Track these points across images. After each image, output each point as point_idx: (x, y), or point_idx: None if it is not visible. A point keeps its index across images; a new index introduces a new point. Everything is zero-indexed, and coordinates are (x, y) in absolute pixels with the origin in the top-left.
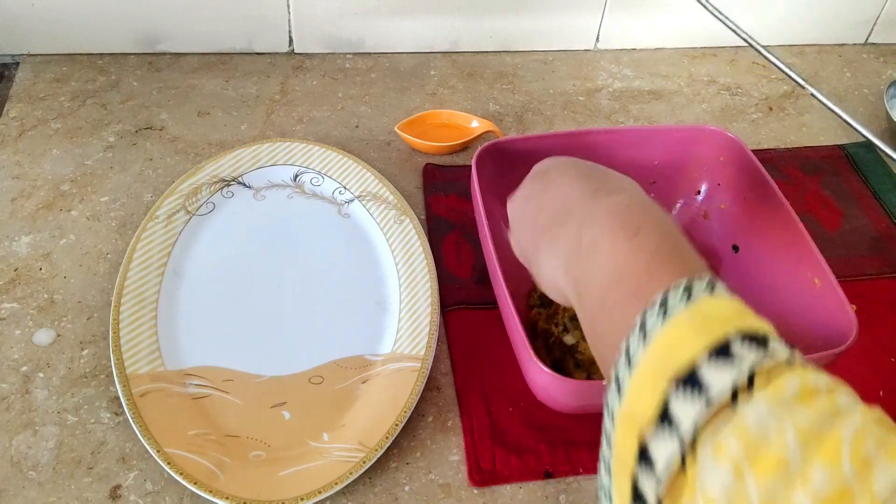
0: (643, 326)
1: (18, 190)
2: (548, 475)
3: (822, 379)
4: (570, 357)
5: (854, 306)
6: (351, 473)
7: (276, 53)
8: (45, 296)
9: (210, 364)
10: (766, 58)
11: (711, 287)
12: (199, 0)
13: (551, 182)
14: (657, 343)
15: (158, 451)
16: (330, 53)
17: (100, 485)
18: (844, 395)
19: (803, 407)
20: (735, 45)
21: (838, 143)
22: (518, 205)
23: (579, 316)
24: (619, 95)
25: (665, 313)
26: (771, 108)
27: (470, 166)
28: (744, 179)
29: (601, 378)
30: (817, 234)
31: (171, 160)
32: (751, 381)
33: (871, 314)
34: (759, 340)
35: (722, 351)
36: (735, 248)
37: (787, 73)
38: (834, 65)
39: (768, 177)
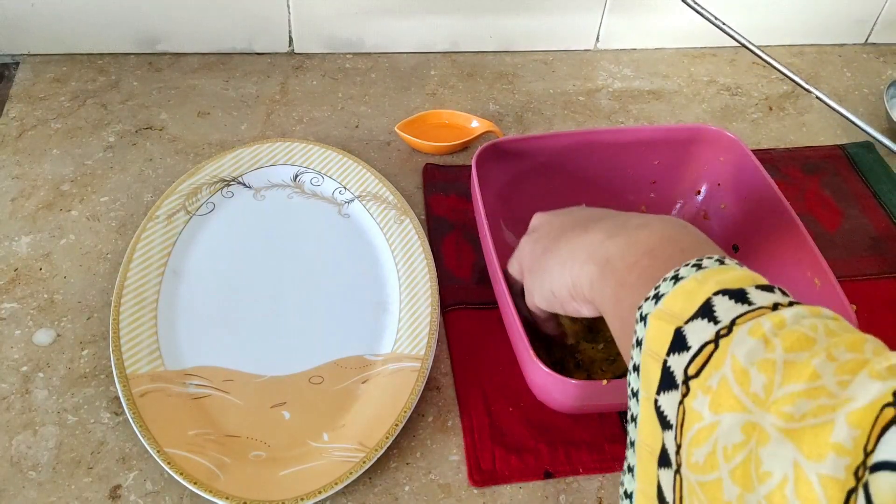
0: (699, 264)
1: (18, 190)
2: (548, 475)
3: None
4: (570, 357)
5: (854, 306)
6: (351, 473)
7: (276, 53)
8: (45, 296)
9: (210, 364)
10: (761, 58)
11: (721, 261)
12: (199, 0)
13: (555, 222)
14: (710, 271)
15: (158, 451)
16: (330, 53)
17: (100, 485)
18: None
19: (836, 322)
20: (735, 45)
21: (838, 143)
22: (545, 219)
23: (599, 290)
24: (619, 95)
25: (721, 262)
26: (771, 108)
27: (470, 166)
28: (744, 179)
29: (601, 378)
30: (817, 234)
31: (171, 160)
32: (775, 307)
33: (871, 314)
34: (769, 290)
35: (767, 288)
36: (735, 248)
37: (785, 73)
38: (834, 65)
39: (768, 177)
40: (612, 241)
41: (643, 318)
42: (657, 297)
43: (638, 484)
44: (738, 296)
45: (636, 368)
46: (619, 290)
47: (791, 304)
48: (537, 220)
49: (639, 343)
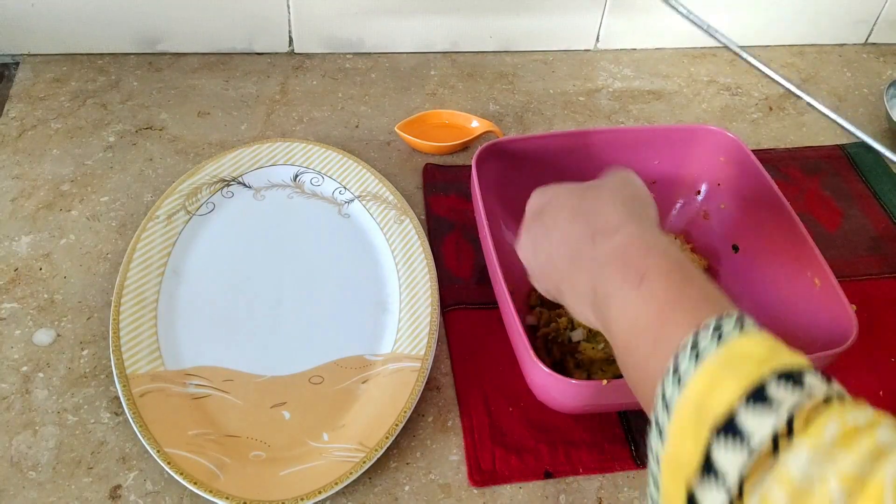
0: (676, 370)
1: (18, 190)
2: (548, 475)
3: (861, 415)
4: (570, 357)
5: (854, 306)
6: (351, 473)
7: (276, 53)
8: (45, 296)
9: (210, 364)
10: (748, 62)
11: (741, 324)
12: (199, 0)
13: (549, 228)
14: (692, 388)
15: (158, 451)
16: (330, 53)
17: (100, 485)
18: (885, 430)
19: (844, 451)
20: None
21: (838, 143)
22: (528, 254)
23: (611, 336)
24: (619, 95)
25: (697, 356)
26: (771, 108)
27: (470, 166)
28: (744, 179)
29: (601, 378)
30: (817, 234)
31: (171, 160)
32: (790, 424)
33: (871, 314)
34: (794, 379)
35: (758, 395)
36: (735, 248)
37: (775, 79)
38: (834, 65)
39: (768, 177)
40: (599, 312)
41: (665, 401)
42: (678, 375)
43: None
44: (759, 396)
45: (660, 432)
46: (626, 357)
47: (790, 423)
48: (535, 203)
49: (658, 428)
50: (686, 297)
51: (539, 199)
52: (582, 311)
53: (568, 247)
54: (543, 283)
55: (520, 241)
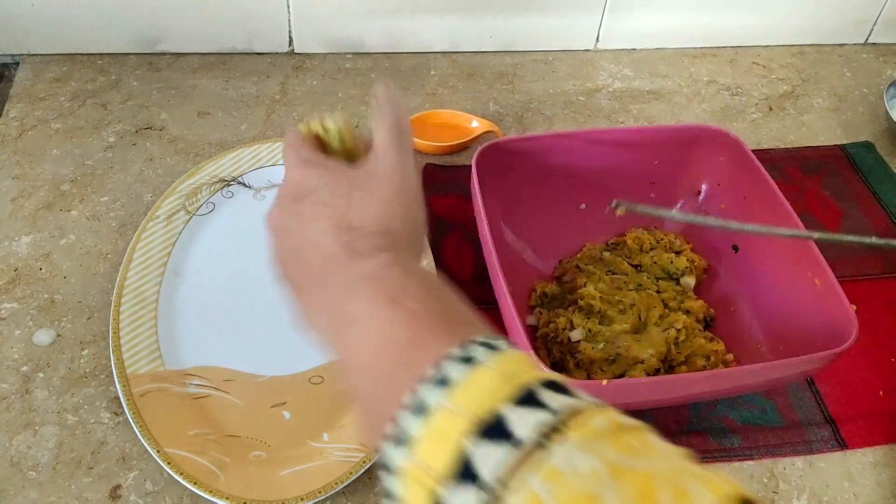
0: (443, 379)
1: (18, 190)
2: None
3: (630, 420)
4: (569, 357)
5: (854, 306)
6: (351, 473)
7: (276, 53)
8: (45, 296)
9: (210, 364)
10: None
11: (492, 346)
12: (199, 0)
13: (306, 221)
14: (459, 390)
15: (158, 451)
16: (330, 53)
17: (100, 485)
18: (651, 434)
19: (620, 451)
20: (735, 45)
21: (838, 143)
22: (277, 229)
23: (348, 381)
24: (619, 95)
25: (464, 366)
26: (771, 108)
27: (470, 166)
28: (744, 179)
29: (601, 378)
30: None
31: (171, 160)
32: (555, 429)
33: (871, 314)
34: (562, 389)
35: (527, 399)
36: (735, 248)
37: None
38: (834, 65)
39: (768, 177)
40: (339, 333)
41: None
42: (402, 443)
43: None
44: (497, 431)
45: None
46: (360, 375)
47: (560, 423)
48: (299, 176)
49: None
50: (442, 318)
51: (305, 174)
52: (318, 314)
53: (320, 254)
54: (284, 268)
55: (274, 212)
